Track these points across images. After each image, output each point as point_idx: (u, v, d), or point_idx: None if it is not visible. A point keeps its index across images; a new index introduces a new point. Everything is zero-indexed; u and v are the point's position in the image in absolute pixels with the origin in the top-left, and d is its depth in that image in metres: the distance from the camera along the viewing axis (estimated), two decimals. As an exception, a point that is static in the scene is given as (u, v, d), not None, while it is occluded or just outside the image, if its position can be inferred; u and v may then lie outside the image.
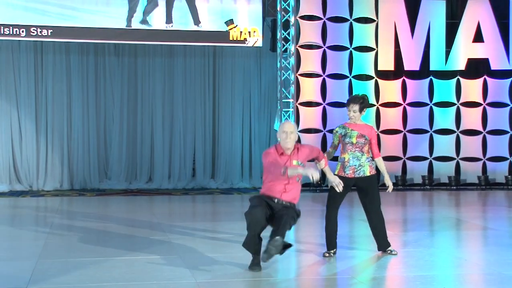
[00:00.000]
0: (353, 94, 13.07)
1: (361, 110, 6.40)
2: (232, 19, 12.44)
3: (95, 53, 13.14)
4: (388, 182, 6.48)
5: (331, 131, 12.88)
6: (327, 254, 6.37)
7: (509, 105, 13.52)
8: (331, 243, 6.41)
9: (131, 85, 13.36)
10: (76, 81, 13.06)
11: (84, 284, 5.31)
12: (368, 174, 6.36)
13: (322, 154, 6.18)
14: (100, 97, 13.26)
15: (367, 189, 6.39)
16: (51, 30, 11.83)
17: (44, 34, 11.81)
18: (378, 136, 12.60)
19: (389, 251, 6.46)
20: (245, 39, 12.48)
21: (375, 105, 13.04)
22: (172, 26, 12.20)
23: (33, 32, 11.73)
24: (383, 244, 6.48)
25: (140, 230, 8.00)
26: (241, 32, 12.45)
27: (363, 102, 6.38)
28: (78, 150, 13.11)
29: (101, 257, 6.36)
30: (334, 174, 6.24)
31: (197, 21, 12.27)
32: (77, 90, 13.08)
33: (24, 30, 11.69)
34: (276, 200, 5.83)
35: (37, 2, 11.77)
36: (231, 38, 12.46)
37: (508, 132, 13.52)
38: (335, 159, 6.75)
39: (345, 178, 6.31)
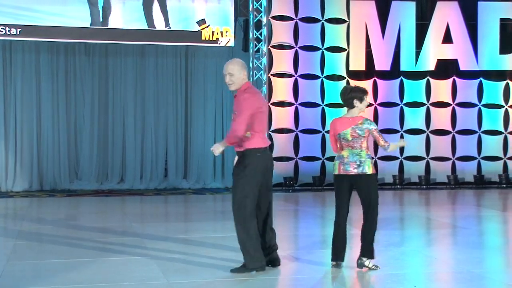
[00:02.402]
0: (325, 94, 13.22)
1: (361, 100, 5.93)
2: (204, 19, 12.42)
3: (65, 52, 12.99)
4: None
5: (303, 131, 13.00)
6: (334, 263, 5.85)
7: (478, 105, 13.74)
8: (337, 254, 5.85)
9: (102, 85, 13.23)
10: (45, 81, 12.89)
11: (55, 286, 5.25)
12: (368, 172, 5.75)
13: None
14: (71, 96, 13.11)
15: (363, 189, 5.77)
16: (20, 29, 11.67)
17: (13, 33, 11.64)
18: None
19: (363, 261, 5.83)
20: (217, 39, 12.46)
21: (346, 105, 13.12)
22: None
23: (2, 31, 11.55)
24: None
25: (112, 231, 7.94)
26: (213, 32, 12.43)
27: (355, 91, 5.89)
28: (48, 150, 12.95)
29: (72, 258, 6.30)
30: (334, 174, 5.84)
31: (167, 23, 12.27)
32: (47, 90, 12.91)
33: (-8, 28, 11.53)
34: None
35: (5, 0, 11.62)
36: (203, 38, 12.43)
37: (476, 132, 13.73)
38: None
39: (347, 176, 5.78)
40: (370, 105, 13.35)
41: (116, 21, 12.08)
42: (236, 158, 5.76)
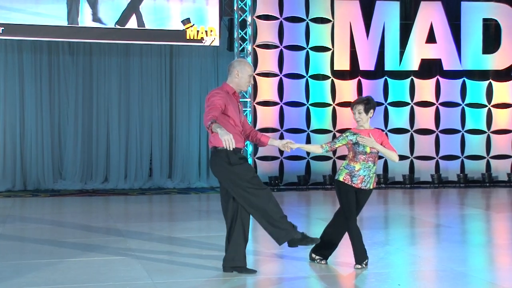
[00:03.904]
0: (310, 93, 13.25)
1: (367, 111, 5.93)
2: (188, 18, 12.39)
3: (49, 51, 12.90)
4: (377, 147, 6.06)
5: (288, 130, 13.01)
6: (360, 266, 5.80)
7: (461, 105, 13.84)
8: (329, 253, 6.03)
9: (86, 84, 13.17)
10: (29, 80, 12.81)
11: (38, 286, 5.22)
12: (371, 187, 5.95)
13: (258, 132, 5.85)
14: (54, 96, 13.03)
15: (361, 202, 5.94)
16: (3, 28, 11.58)
17: (-5, 32, 11.56)
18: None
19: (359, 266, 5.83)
20: (202, 39, 12.45)
21: (331, 105, 13.17)
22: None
23: (-16, 30, 11.48)
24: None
25: (96, 231, 7.90)
26: (198, 31, 12.41)
27: (368, 103, 5.88)
28: (31, 150, 12.86)
29: (55, 258, 6.26)
30: (338, 180, 5.85)
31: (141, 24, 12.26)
32: (30, 89, 12.82)
33: (-26, 27, 11.43)
34: (242, 151, 5.64)
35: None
36: (188, 37, 12.41)
37: (460, 131, 13.84)
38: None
39: (352, 187, 5.86)
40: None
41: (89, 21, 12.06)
42: (241, 154, 5.59)
